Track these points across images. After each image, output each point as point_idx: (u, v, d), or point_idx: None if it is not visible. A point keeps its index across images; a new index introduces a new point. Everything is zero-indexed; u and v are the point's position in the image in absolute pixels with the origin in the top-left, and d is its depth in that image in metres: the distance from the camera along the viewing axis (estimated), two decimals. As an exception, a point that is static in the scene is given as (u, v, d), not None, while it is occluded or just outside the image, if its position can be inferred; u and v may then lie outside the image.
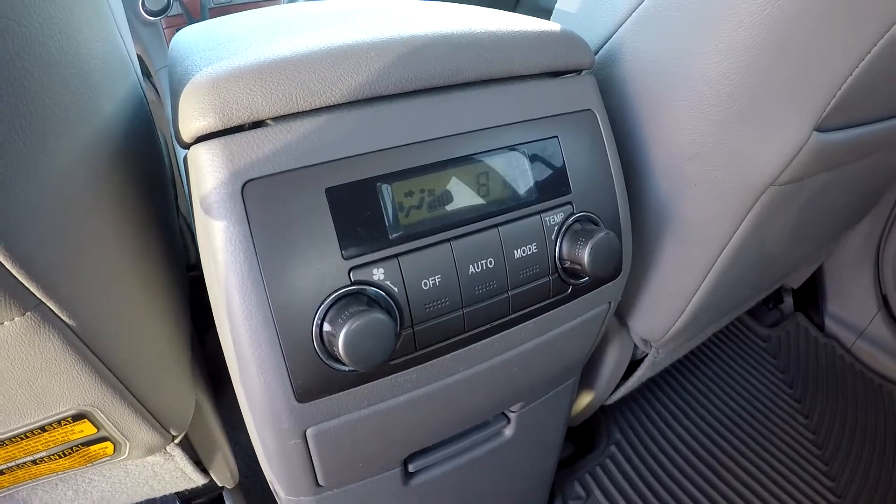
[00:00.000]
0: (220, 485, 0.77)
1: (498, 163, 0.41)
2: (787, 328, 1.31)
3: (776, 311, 1.35)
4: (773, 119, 0.47)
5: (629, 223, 0.51)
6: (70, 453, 0.58)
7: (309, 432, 0.40)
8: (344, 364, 0.37)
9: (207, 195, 0.34)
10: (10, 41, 0.29)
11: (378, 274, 0.36)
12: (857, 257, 1.25)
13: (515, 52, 0.42)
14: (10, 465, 0.56)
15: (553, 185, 0.44)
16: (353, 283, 0.36)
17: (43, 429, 0.52)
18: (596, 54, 0.54)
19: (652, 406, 1.08)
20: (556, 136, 0.44)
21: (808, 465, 0.97)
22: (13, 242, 0.31)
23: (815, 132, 0.49)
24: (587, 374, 0.75)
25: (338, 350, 0.34)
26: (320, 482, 0.48)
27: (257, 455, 0.56)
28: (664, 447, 0.99)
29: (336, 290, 0.35)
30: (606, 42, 0.53)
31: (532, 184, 0.42)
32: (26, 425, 0.50)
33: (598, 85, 0.49)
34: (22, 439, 0.53)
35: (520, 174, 0.42)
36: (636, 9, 0.50)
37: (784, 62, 0.44)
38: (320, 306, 0.35)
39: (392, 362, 0.39)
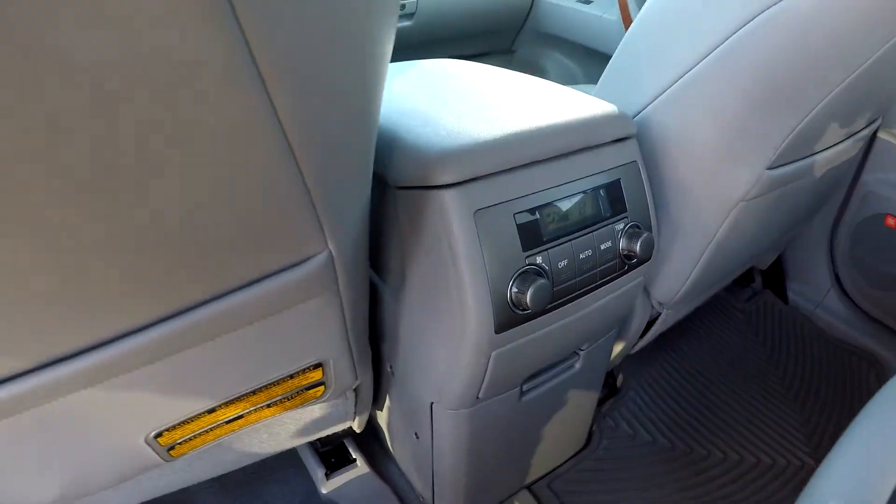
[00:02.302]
0: (356, 430, 1.02)
1: (591, 196, 0.74)
2: (758, 302, 1.66)
3: (749, 289, 1.71)
4: (741, 164, 0.83)
5: (657, 226, 0.85)
6: (294, 397, 0.76)
7: (493, 353, 0.71)
8: (522, 309, 0.68)
9: (453, 217, 0.63)
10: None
11: (538, 259, 0.68)
12: (814, 244, 1.58)
13: (601, 131, 0.75)
14: (249, 410, 0.73)
15: (618, 207, 0.77)
16: (527, 265, 0.68)
17: (291, 376, 0.72)
18: (632, 120, 0.88)
19: (660, 363, 1.43)
20: (619, 179, 0.77)
21: (779, 403, 1.33)
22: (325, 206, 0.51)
23: (766, 170, 0.85)
24: (621, 329, 1.08)
25: (525, 300, 0.66)
26: (480, 395, 0.79)
27: (428, 381, 0.82)
28: (670, 391, 1.35)
29: (520, 268, 0.67)
30: (638, 114, 0.87)
31: (609, 206, 0.76)
32: (284, 373, 0.70)
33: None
34: (273, 385, 0.71)
35: (601, 202, 0.75)
36: (661, 95, 0.84)
37: (746, 131, 0.79)
38: (512, 277, 0.67)
39: (541, 309, 0.72)
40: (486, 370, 0.74)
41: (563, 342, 0.82)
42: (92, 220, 0.41)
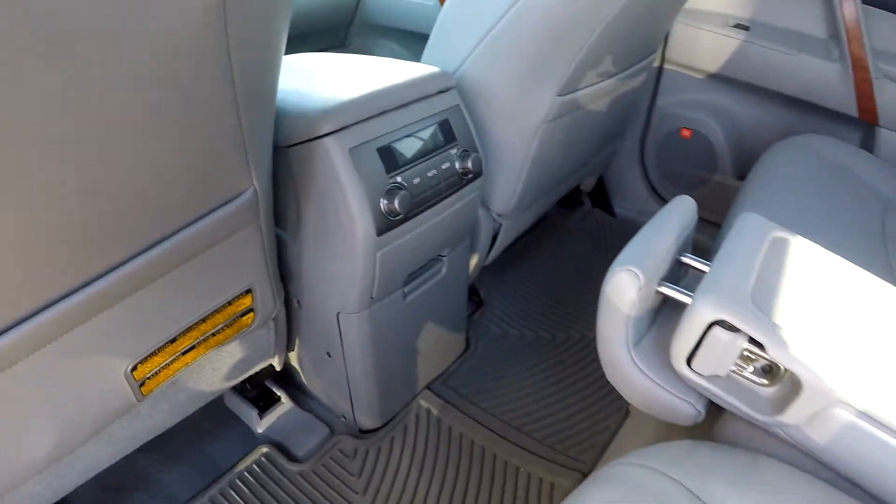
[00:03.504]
0: (277, 367, 1.27)
1: (429, 131, 1.06)
2: (589, 220, 2.06)
3: (581, 211, 2.11)
4: (536, 93, 1.17)
5: (484, 151, 1.19)
6: (231, 324, 0.96)
7: (378, 254, 1.00)
8: (394, 216, 0.97)
9: (335, 155, 0.91)
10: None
11: (399, 178, 0.99)
12: (628, 163, 2.02)
13: (428, 85, 1.07)
14: (199, 339, 0.91)
15: (450, 138, 1.09)
16: (391, 183, 0.98)
17: (229, 302, 0.93)
18: (451, 75, 1.22)
19: (515, 277, 1.80)
20: (448, 118, 1.09)
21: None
22: (252, 148, 0.77)
23: (556, 97, 1.21)
24: (473, 242, 1.39)
25: (395, 207, 0.96)
26: (374, 295, 1.08)
27: (332, 294, 1.08)
28: (527, 296, 1.73)
29: (388, 186, 0.97)
30: (458, 69, 1.20)
31: (443, 138, 1.08)
32: (225, 299, 0.91)
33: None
34: (216, 313, 0.91)
35: (437, 135, 1.07)
36: (473, 52, 1.16)
37: (536, 67, 1.13)
38: (382, 192, 0.96)
39: (407, 214, 1.02)
40: (375, 270, 1.03)
41: (428, 244, 1.14)
42: (70, 176, 0.56)
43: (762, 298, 0.77)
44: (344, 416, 1.36)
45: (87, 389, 0.78)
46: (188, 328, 0.89)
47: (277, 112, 0.93)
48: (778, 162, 1.46)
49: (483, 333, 1.61)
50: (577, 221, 2.10)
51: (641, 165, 2.05)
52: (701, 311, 0.75)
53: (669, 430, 1.29)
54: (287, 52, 1.16)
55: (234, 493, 1.21)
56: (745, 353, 0.76)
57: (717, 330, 0.75)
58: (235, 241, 0.87)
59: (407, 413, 1.40)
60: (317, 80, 1.05)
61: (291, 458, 1.30)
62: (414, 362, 1.36)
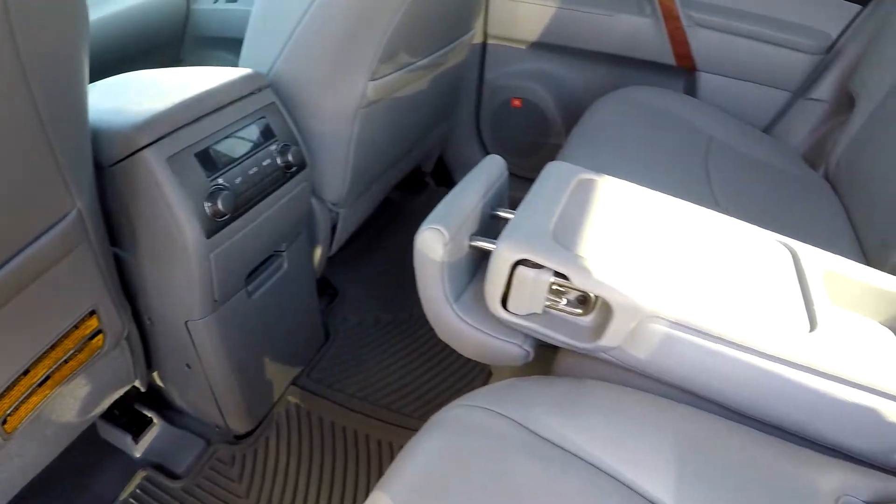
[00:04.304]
0: (142, 389, 1.28)
1: (247, 131, 1.11)
2: (435, 199, 2.13)
3: (425, 193, 2.22)
4: (348, 81, 1.24)
5: (304, 141, 1.26)
6: (82, 348, 0.96)
7: (212, 255, 1.04)
8: (220, 217, 1.02)
9: (154, 166, 0.95)
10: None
11: (220, 180, 1.04)
12: (466, 139, 2.15)
13: (241, 88, 1.12)
14: (53, 368, 0.90)
15: (269, 135, 1.15)
16: (212, 186, 1.02)
17: (76, 326, 0.92)
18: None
19: (367, 267, 1.89)
20: (265, 116, 1.15)
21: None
22: (70, 168, 0.77)
23: (369, 82, 1.28)
24: (312, 235, 1.45)
25: (219, 208, 1.01)
26: (216, 297, 1.12)
27: (177, 304, 1.13)
28: (379, 282, 1.84)
29: (210, 189, 1.01)
30: (273, 68, 1.25)
31: (261, 136, 1.14)
32: (70, 323, 0.90)
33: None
34: (65, 338, 0.91)
35: (256, 134, 1.13)
36: (284, 49, 1.22)
37: (345, 56, 1.21)
38: (205, 196, 1.00)
39: (233, 214, 1.08)
40: (211, 272, 1.08)
41: (261, 240, 1.19)
42: None
43: (564, 235, 0.85)
44: (217, 426, 1.40)
45: None
46: (39, 357, 0.90)
47: (97, 132, 0.95)
48: (599, 114, 1.60)
49: (341, 323, 1.68)
50: (423, 203, 2.20)
51: (479, 139, 2.17)
52: (503, 253, 0.82)
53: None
54: (120, 73, 1.20)
55: (121, 522, 1.22)
56: (556, 288, 0.83)
57: (521, 269, 0.82)
58: (69, 263, 0.89)
59: (277, 411, 1.46)
60: (132, 96, 1.07)
61: (172, 475, 1.34)
62: (274, 360, 1.41)
